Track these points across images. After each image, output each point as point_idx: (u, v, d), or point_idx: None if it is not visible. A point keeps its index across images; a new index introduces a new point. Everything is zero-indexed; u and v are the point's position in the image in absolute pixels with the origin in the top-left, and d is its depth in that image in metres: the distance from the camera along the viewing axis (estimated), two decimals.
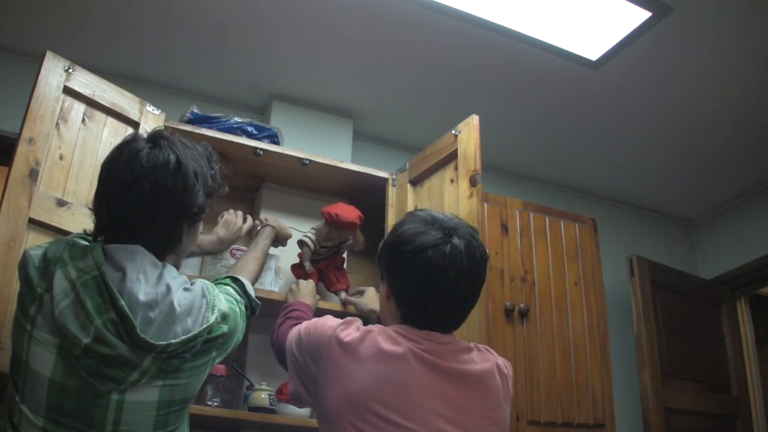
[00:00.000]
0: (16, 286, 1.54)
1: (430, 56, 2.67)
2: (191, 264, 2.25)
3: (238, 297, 1.53)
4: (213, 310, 1.35)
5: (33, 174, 1.76)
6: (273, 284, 2.32)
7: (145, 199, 1.30)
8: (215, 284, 1.51)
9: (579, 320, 2.74)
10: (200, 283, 1.38)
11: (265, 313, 2.39)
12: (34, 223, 1.73)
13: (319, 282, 2.38)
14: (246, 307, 1.56)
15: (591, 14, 2.40)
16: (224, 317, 1.38)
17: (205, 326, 1.31)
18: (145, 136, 1.38)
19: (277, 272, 2.36)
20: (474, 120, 2.19)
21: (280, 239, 2.18)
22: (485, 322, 2.08)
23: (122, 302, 1.22)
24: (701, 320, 3.42)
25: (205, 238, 2.05)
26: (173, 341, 1.25)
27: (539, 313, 2.67)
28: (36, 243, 1.71)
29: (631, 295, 3.15)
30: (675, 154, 3.28)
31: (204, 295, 1.35)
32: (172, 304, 1.27)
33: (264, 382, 2.20)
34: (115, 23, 2.51)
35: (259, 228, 2.14)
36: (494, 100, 2.91)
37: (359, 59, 2.70)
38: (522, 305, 2.63)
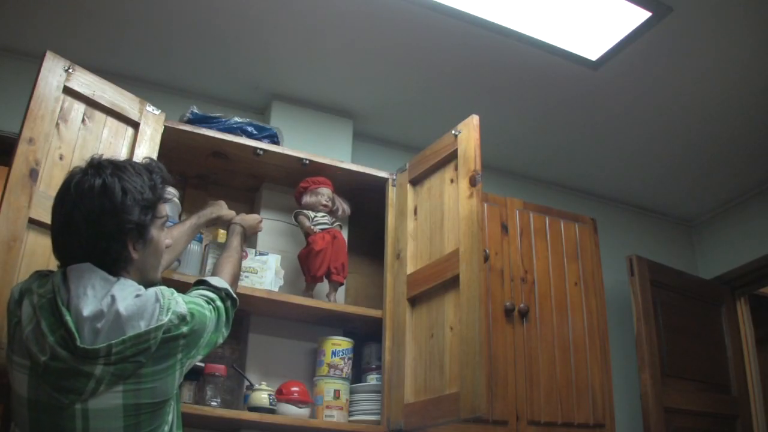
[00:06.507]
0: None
1: (429, 56, 2.66)
2: (192, 261, 2.25)
3: (210, 295, 1.55)
4: (167, 312, 1.37)
5: (33, 174, 1.76)
6: (273, 284, 2.32)
7: (80, 227, 1.38)
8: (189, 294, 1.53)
9: (579, 320, 2.73)
10: (154, 289, 1.41)
11: (265, 313, 2.41)
12: (34, 223, 1.73)
13: (332, 241, 2.40)
14: (222, 300, 1.57)
15: (591, 14, 2.40)
16: (182, 319, 1.39)
17: (155, 326, 1.33)
18: (84, 166, 1.45)
19: (277, 272, 2.36)
20: (474, 120, 2.19)
21: (249, 232, 2.13)
22: (485, 322, 2.07)
23: (67, 318, 1.30)
24: (701, 320, 3.41)
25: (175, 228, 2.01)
26: (113, 341, 1.29)
27: (539, 313, 2.67)
28: (36, 243, 1.73)
29: (631, 295, 3.14)
30: (675, 154, 3.28)
31: (157, 300, 1.37)
32: (117, 311, 1.32)
33: (264, 382, 2.20)
34: (115, 23, 2.51)
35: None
36: (494, 100, 2.91)
37: (359, 59, 2.70)
38: (522, 305, 2.63)
